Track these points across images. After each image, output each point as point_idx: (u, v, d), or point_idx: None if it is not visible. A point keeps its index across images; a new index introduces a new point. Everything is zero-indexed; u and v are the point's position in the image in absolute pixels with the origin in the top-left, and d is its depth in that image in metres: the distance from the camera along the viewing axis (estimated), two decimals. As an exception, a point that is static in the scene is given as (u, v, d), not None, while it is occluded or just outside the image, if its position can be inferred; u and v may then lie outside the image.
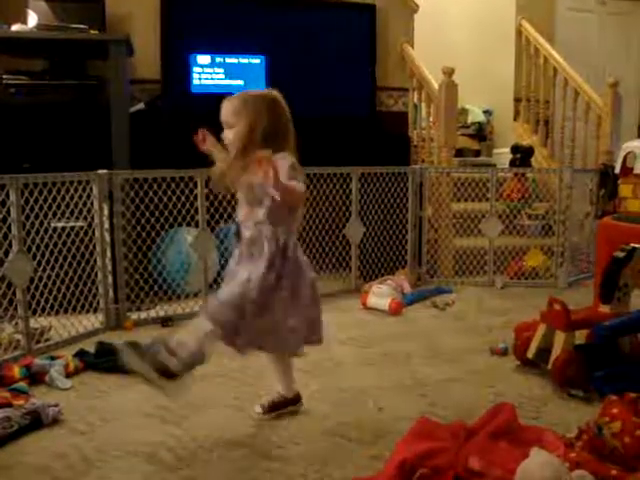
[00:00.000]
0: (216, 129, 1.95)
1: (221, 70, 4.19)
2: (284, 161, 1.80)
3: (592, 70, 5.56)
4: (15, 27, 3.44)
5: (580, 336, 2.43)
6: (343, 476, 1.70)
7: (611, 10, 6.11)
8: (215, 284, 3.42)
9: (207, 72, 4.16)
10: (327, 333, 2.02)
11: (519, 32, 5.51)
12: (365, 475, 1.68)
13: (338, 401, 2.20)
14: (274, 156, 1.74)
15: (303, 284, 1.91)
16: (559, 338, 2.35)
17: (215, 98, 1.98)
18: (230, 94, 1.94)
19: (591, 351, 2.32)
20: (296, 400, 2.10)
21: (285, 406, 2.07)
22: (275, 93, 1.93)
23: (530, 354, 2.48)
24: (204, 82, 4.15)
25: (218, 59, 4.17)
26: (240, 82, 4.20)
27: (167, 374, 1.74)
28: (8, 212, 2.58)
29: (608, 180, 4.07)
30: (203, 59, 4.14)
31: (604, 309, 2.48)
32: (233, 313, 1.81)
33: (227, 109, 1.90)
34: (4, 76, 3.47)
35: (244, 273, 1.85)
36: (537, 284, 4.04)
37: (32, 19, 3.59)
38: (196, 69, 4.13)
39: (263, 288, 1.82)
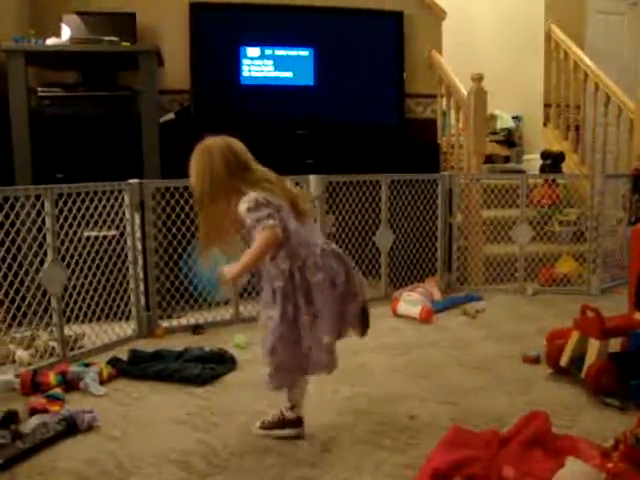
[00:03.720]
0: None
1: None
2: (241, 211, 1.82)
3: (623, 74, 5.48)
4: (50, 41, 3.52)
5: (614, 344, 2.40)
6: (375, 484, 1.69)
7: (642, 12, 6.01)
8: (245, 292, 3.45)
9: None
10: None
11: (548, 36, 5.45)
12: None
13: (369, 408, 2.20)
14: (240, 202, 1.82)
15: (323, 300, 1.87)
16: (593, 346, 2.31)
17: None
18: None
19: (626, 359, 2.28)
20: (297, 423, 2.00)
21: (283, 427, 1.99)
22: (218, 141, 1.92)
23: (563, 362, 2.45)
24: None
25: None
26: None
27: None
28: (43, 222, 2.63)
29: (642, 185, 4.01)
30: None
31: (639, 316, 2.44)
32: (281, 366, 1.87)
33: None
34: (39, 89, 3.55)
35: (263, 316, 1.91)
36: (569, 291, 3.98)
37: (66, 33, 3.67)
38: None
39: (284, 322, 1.85)
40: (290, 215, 1.89)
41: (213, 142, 1.91)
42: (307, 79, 4.31)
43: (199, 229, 1.98)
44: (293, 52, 4.27)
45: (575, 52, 5.09)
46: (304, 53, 4.29)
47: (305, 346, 1.86)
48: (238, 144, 1.93)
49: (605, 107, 4.81)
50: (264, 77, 4.25)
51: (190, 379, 2.44)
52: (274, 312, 1.86)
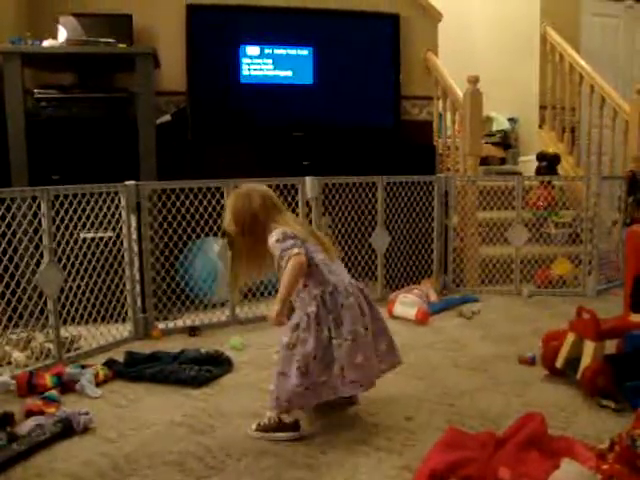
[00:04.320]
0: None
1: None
2: (270, 243, 2.03)
3: (619, 76, 5.51)
4: (46, 43, 3.52)
5: (610, 346, 2.41)
6: (372, 486, 1.70)
7: (638, 15, 6.02)
8: (241, 294, 3.44)
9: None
10: None
11: (544, 39, 5.47)
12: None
13: (365, 410, 2.20)
14: (270, 236, 2.03)
15: (354, 322, 1.99)
16: (588, 347, 2.32)
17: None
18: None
19: (622, 361, 2.29)
20: (294, 427, 2.01)
21: (280, 430, 1.99)
22: (255, 187, 2.17)
23: (559, 364, 2.45)
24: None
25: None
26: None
27: None
28: (39, 223, 2.63)
29: (636, 187, 4.02)
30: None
31: (635, 318, 2.44)
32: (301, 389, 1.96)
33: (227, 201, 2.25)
34: (35, 90, 3.54)
35: (291, 339, 1.99)
36: (565, 293, 3.99)
37: (62, 34, 3.67)
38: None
39: (318, 345, 1.95)
40: (317, 249, 2.07)
41: (253, 187, 2.17)
42: (306, 78, 4.31)
43: (234, 262, 2.20)
44: (292, 51, 4.28)
45: (570, 54, 5.10)
46: (304, 52, 4.29)
47: (337, 367, 1.96)
48: (271, 191, 2.19)
49: (600, 109, 4.82)
50: (264, 75, 4.25)
51: (186, 381, 2.44)
52: (307, 335, 1.96)
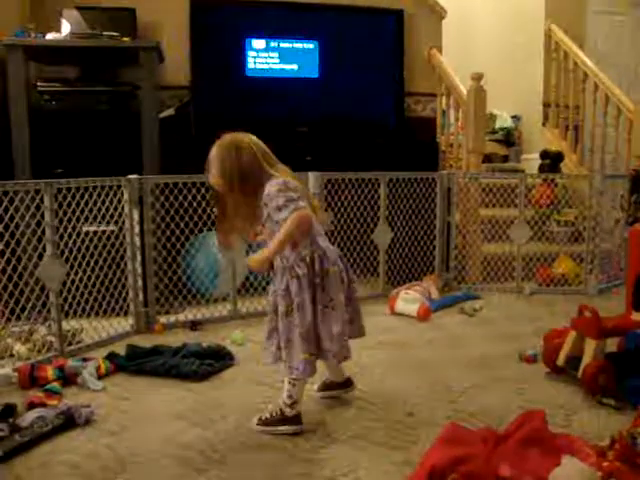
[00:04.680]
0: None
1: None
2: (270, 191, 1.91)
3: (624, 74, 5.49)
4: (49, 36, 3.52)
5: (610, 344, 2.41)
6: (372, 481, 1.70)
7: (644, 12, 6.00)
8: (243, 289, 3.45)
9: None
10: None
11: (548, 36, 5.45)
12: (394, 480, 1.68)
13: (366, 405, 2.20)
14: (265, 188, 1.91)
15: (335, 290, 1.96)
16: (590, 346, 2.32)
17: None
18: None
19: (623, 359, 2.29)
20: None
21: (282, 423, 2.00)
22: (242, 136, 2.00)
23: (560, 361, 2.46)
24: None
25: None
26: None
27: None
28: (42, 216, 2.64)
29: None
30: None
31: (636, 317, 2.44)
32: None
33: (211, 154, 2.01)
34: (39, 83, 3.54)
35: (283, 305, 1.95)
36: (566, 291, 3.99)
37: (66, 28, 3.67)
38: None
39: (304, 308, 1.92)
40: (309, 207, 1.97)
41: (238, 136, 1.98)
42: (312, 72, 4.32)
43: (222, 219, 2.05)
44: (299, 44, 4.28)
45: (575, 52, 5.09)
46: (309, 46, 4.29)
47: (316, 332, 1.95)
48: (258, 139, 2.02)
49: (604, 107, 4.81)
50: (270, 69, 4.26)
51: (188, 375, 2.45)
52: (301, 299, 1.91)
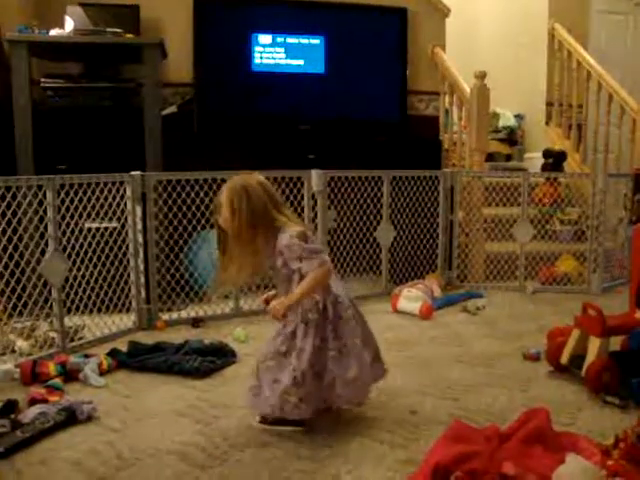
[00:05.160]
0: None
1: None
2: (289, 242, 1.90)
3: (627, 73, 5.48)
4: (53, 32, 3.51)
5: (614, 342, 2.40)
6: (376, 479, 1.69)
7: (647, 12, 5.99)
8: (245, 286, 3.44)
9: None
10: None
11: (551, 35, 5.44)
12: (398, 478, 1.67)
13: (369, 403, 2.19)
14: (280, 237, 1.90)
15: (350, 336, 1.96)
16: (594, 344, 2.31)
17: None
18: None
19: (626, 358, 2.28)
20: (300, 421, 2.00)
21: (285, 423, 1.98)
22: (252, 179, 1.98)
23: (563, 360, 2.45)
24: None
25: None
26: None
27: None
28: (45, 212, 2.63)
29: (643, 185, 4.01)
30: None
31: (640, 315, 2.44)
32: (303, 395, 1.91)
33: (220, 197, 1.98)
34: (42, 80, 3.54)
35: (282, 346, 1.95)
36: (569, 290, 3.98)
37: (69, 24, 3.66)
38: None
39: (312, 355, 1.90)
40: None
41: (248, 179, 1.97)
42: (318, 67, 4.33)
43: (228, 263, 2.01)
44: (305, 40, 4.27)
45: (578, 51, 5.08)
46: (315, 41, 4.29)
47: (329, 378, 1.92)
48: (267, 181, 2.01)
49: (608, 106, 4.80)
50: (276, 64, 4.25)
51: (190, 372, 2.44)
52: (304, 344, 1.91)
